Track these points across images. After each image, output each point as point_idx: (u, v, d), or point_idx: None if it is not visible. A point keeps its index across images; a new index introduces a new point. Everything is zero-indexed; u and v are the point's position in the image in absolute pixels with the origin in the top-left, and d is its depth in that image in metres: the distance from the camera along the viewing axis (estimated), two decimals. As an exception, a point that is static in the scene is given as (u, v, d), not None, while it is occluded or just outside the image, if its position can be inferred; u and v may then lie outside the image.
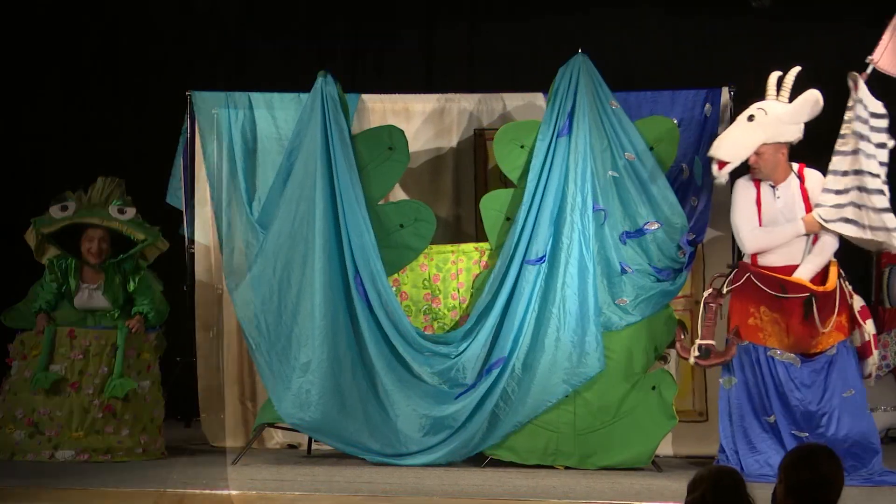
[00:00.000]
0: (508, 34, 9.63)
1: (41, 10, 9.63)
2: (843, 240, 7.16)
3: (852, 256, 7.63)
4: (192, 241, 8.13)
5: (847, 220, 6.98)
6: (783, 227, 7.13)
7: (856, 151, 6.96)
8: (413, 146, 7.94)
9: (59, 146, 9.71)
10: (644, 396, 7.41)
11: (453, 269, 7.61)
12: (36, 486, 6.59)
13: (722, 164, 7.08)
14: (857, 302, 7.18)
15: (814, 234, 7.07)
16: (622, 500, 6.49)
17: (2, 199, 9.56)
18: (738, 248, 7.44)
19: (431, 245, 7.62)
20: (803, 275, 7.08)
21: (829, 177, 7.04)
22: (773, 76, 7.18)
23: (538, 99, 8.09)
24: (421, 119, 8.27)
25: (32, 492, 6.48)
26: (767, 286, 7.09)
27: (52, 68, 9.76)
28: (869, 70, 7.04)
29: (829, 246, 7.13)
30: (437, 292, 7.65)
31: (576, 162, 7.40)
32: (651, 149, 7.48)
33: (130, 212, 7.78)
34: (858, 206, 6.97)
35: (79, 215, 7.80)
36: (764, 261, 7.18)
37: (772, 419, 7.11)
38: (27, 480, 6.76)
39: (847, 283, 7.16)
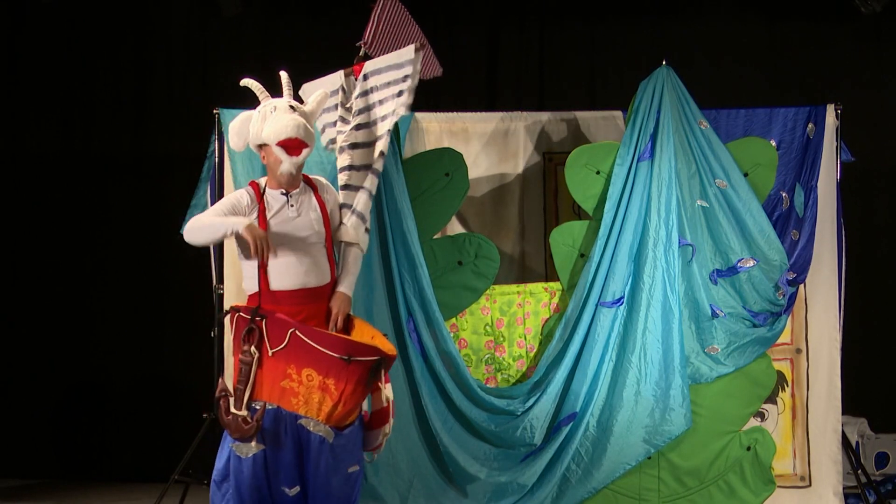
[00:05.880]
0: (583, 43, 9.32)
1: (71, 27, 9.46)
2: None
3: None
4: (220, 281, 7.72)
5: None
6: (221, 219, 6.08)
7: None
8: (473, 172, 7.71)
9: (81, 160, 9.50)
10: (738, 458, 7.23)
11: (519, 312, 7.36)
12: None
13: (304, 145, 6.08)
14: None
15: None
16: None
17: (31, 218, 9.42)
18: (845, 288, 7.42)
19: (494, 285, 7.38)
20: (345, 289, 6.16)
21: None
22: (284, 76, 6.43)
23: (616, 118, 7.86)
24: (482, 141, 7.95)
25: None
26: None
27: (75, 81, 9.54)
28: (361, 53, 6.96)
29: (359, 254, 6.28)
30: (501, 339, 7.40)
31: (659, 190, 7.24)
32: (746, 175, 7.33)
33: None
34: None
35: None
36: (281, 283, 6.04)
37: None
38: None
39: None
